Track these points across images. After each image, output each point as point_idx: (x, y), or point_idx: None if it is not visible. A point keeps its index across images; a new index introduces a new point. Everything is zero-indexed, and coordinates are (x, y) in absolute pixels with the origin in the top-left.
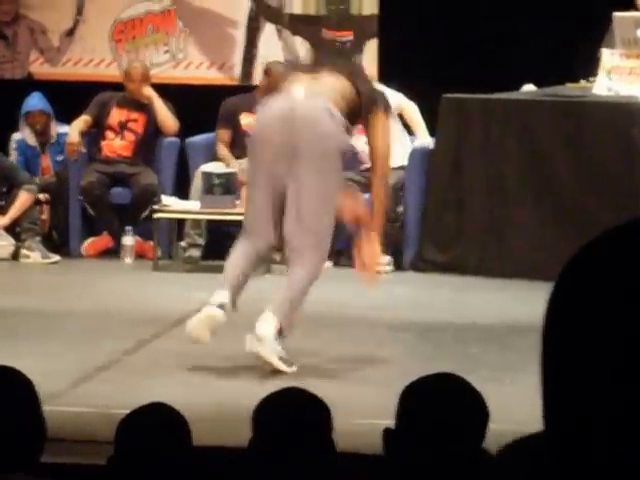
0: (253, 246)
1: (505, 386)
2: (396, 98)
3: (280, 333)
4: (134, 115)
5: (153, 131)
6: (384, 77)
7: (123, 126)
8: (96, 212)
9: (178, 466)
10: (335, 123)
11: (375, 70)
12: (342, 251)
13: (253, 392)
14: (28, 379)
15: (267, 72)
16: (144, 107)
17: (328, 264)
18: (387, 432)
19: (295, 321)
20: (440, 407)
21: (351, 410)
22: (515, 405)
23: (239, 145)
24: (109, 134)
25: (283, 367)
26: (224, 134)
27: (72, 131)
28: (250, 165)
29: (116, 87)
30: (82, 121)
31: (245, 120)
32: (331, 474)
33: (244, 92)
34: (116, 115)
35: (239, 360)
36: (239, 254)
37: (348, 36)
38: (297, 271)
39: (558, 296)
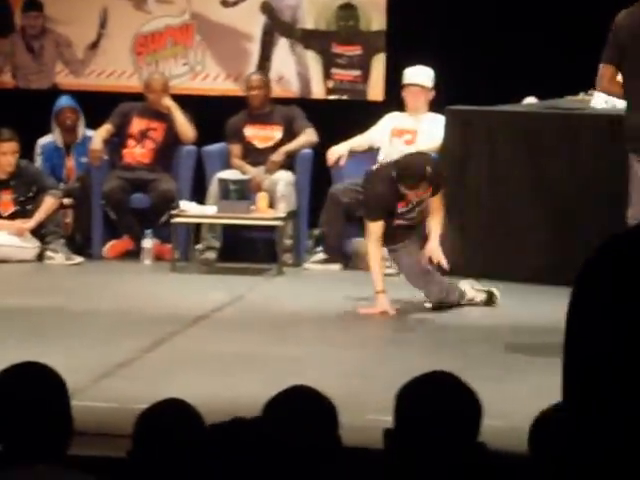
0: None
1: (504, 384)
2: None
3: None
4: (154, 124)
5: (172, 139)
6: (390, 90)
7: (143, 135)
8: (117, 216)
9: (193, 459)
10: None
11: (382, 84)
12: (351, 255)
13: (267, 389)
14: (60, 376)
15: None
16: (163, 117)
17: (337, 267)
18: (387, 433)
19: None
20: (433, 404)
21: (358, 406)
22: (512, 402)
23: (250, 155)
24: (130, 142)
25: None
26: (235, 149)
27: (95, 139)
28: None
29: (136, 97)
30: (105, 130)
31: (249, 132)
32: (337, 469)
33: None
34: (137, 124)
35: (253, 358)
36: None
37: (356, 51)
38: None
39: (580, 291)
